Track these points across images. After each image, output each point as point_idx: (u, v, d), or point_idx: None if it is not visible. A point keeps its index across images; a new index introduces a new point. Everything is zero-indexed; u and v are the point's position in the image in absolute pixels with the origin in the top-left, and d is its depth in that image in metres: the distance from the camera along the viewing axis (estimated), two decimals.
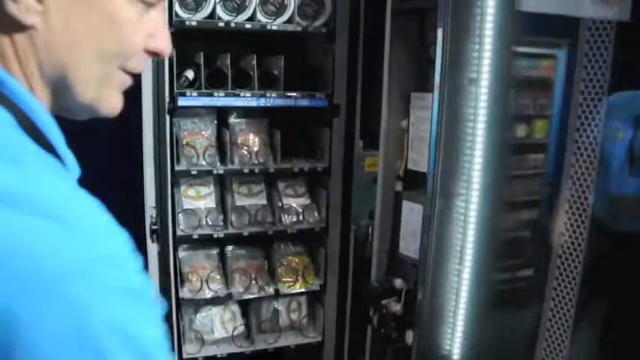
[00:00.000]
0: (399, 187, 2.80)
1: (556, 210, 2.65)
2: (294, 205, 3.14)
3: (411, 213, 2.70)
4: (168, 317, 2.89)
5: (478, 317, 2.54)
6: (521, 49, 2.95)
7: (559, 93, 3.22)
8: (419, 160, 2.66)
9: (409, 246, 2.74)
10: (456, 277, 2.53)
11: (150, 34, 0.79)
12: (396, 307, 2.65)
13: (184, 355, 3.05)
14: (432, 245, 2.50)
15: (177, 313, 3.08)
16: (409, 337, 2.61)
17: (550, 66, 3.42)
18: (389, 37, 2.68)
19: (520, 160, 3.47)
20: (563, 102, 2.85)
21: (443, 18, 2.29)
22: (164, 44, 0.82)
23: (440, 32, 2.30)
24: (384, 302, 2.68)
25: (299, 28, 2.90)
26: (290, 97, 2.95)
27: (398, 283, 2.78)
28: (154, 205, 2.75)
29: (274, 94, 2.92)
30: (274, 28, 2.85)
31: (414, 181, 2.65)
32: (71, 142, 0.81)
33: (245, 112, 3.07)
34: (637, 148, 2.83)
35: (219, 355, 3.09)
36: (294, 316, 3.31)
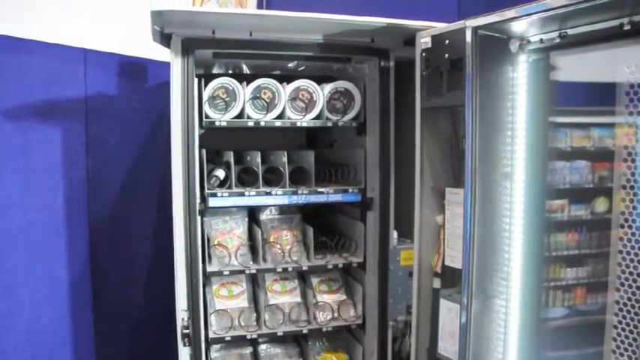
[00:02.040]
0: (436, 283, 2.70)
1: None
2: (328, 301, 3.06)
3: (449, 312, 2.59)
4: None
5: None
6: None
7: None
8: (456, 256, 2.56)
9: (448, 347, 2.60)
10: None
11: None
12: None
13: None
14: (469, 348, 2.37)
15: None
16: None
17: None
18: (419, 132, 2.64)
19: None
20: None
21: (470, 113, 2.24)
22: None
23: (468, 128, 2.25)
24: None
25: (329, 123, 2.88)
26: (322, 192, 2.90)
27: None
28: (186, 307, 2.70)
29: (306, 191, 2.88)
30: (304, 124, 2.84)
31: (452, 278, 2.55)
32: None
33: (277, 208, 3.04)
34: None
35: None
36: None
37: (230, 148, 2.97)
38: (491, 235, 2.39)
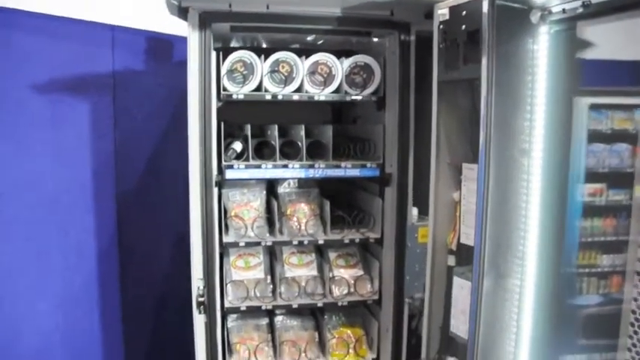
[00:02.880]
0: (451, 261, 2.67)
1: None
2: (345, 276, 3.06)
3: (462, 290, 2.55)
4: None
5: None
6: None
7: None
8: (471, 234, 2.52)
9: (460, 325, 2.58)
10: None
11: None
12: None
13: None
14: (479, 326, 2.34)
15: None
16: None
17: None
18: (436, 107, 2.60)
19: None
20: None
21: (487, 86, 2.19)
22: None
23: (483, 101, 2.20)
24: None
25: (348, 98, 2.86)
26: (339, 167, 2.89)
27: None
28: (201, 276, 2.74)
29: (323, 165, 2.88)
30: (322, 98, 2.83)
31: (467, 256, 2.51)
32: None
33: (294, 182, 3.05)
34: None
35: None
36: None
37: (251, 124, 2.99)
38: (506, 212, 2.34)
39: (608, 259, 3.18)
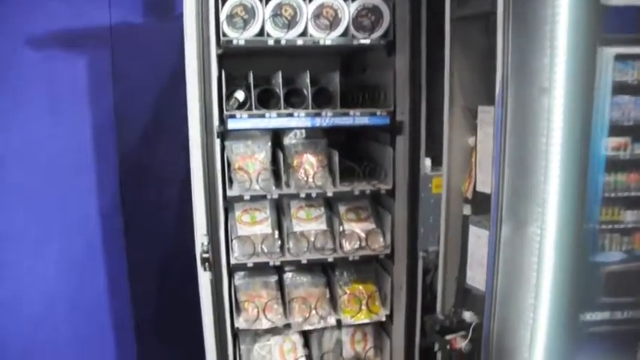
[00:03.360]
0: (467, 210, 2.54)
1: None
2: (356, 230, 2.93)
3: (479, 240, 2.43)
4: (223, 348, 2.77)
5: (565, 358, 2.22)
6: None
7: None
8: (487, 181, 2.38)
9: (477, 276, 2.46)
10: (532, 312, 2.21)
11: None
12: (462, 344, 2.38)
13: None
14: (497, 276, 2.21)
15: (235, 343, 2.95)
16: None
17: None
18: (449, 46, 2.44)
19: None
20: None
21: (504, 20, 2.02)
22: None
23: (500, 37, 2.03)
24: (448, 337, 2.41)
25: (355, 42, 2.70)
26: (348, 115, 2.75)
27: (467, 316, 2.51)
28: (205, 232, 2.63)
29: (330, 113, 2.73)
30: (328, 43, 2.67)
31: (483, 204, 2.38)
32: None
33: (301, 132, 2.91)
34: None
35: None
36: (358, 347, 3.10)
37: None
38: (525, 156, 2.18)
39: (631, 215, 3.03)
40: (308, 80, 2.73)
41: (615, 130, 2.63)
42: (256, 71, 2.79)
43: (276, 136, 2.93)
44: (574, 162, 2.17)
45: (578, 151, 2.19)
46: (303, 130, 2.90)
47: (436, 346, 2.65)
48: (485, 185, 2.40)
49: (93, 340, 3.51)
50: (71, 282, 3.41)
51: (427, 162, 2.79)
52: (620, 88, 2.55)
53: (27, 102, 3.20)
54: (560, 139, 2.15)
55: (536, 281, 2.24)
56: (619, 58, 2.57)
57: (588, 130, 2.30)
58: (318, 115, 2.72)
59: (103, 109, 3.37)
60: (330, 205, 3.06)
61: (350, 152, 3.01)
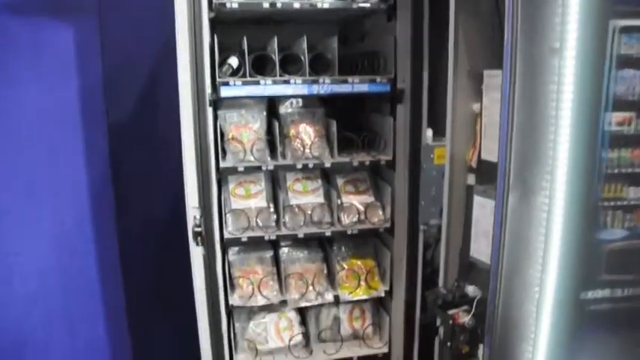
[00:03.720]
0: (471, 180, 2.43)
1: None
2: (354, 202, 2.82)
3: (483, 210, 2.33)
4: (217, 326, 2.67)
5: (568, 336, 2.12)
6: None
7: None
8: (493, 148, 2.27)
9: (481, 248, 2.36)
10: (538, 286, 2.12)
11: None
12: (465, 319, 2.29)
13: None
14: (504, 248, 2.11)
15: (229, 320, 2.85)
16: (481, 353, 2.25)
17: None
18: (454, 6, 2.31)
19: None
20: None
21: None
22: None
23: None
24: (451, 312, 2.32)
25: (354, 5, 2.56)
26: (346, 82, 2.62)
27: (470, 290, 2.43)
28: (197, 205, 2.52)
29: (328, 80, 2.60)
30: (326, 6, 2.53)
31: (489, 174, 2.27)
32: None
33: (297, 101, 2.79)
34: None
35: None
36: (356, 324, 3.01)
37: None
38: (534, 121, 2.07)
39: (635, 192, 2.95)
40: (305, 45, 2.60)
41: (620, 104, 2.54)
42: (251, 42, 2.66)
43: (272, 106, 2.80)
44: (584, 127, 2.07)
45: (589, 115, 2.08)
46: (300, 100, 2.78)
47: (438, 321, 2.56)
48: (490, 153, 2.29)
49: (85, 316, 3.40)
50: (61, 260, 3.29)
51: (429, 133, 2.68)
52: (625, 62, 2.45)
53: (13, 73, 3.06)
54: (570, 102, 2.04)
55: (543, 253, 2.14)
56: (624, 30, 2.47)
57: (599, 95, 2.20)
58: (316, 82, 2.59)
59: (91, 77, 3.21)
60: (327, 177, 2.95)
61: (348, 124, 2.89)
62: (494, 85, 2.23)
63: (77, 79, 3.21)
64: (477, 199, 2.38)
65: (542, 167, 2.09)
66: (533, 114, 2.06)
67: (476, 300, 2.34)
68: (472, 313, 2.32)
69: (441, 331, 2.51)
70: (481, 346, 2.29)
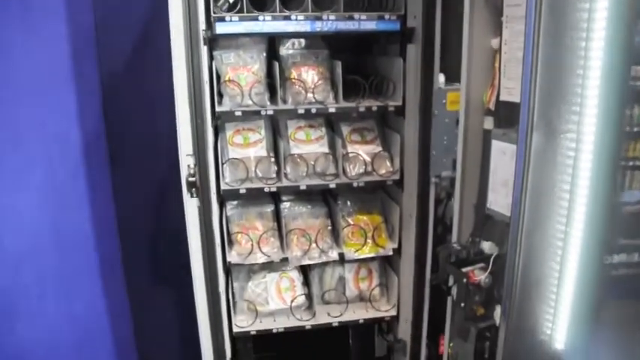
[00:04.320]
0: (488, 124, 2.22)
1: None
2: (361, 152, 2.63)
3: (503, 156, 2.12)
4: (214, 284, 2.49)
5: (592, 298, 1.93)
6: None
7: None
8: (515, 88, 2.06)
9: (499, 199, 2.15)
10: (561, 241, 1.91)
11: None
12: (481, 277, 2.09)
13: (235, 329, 2.65)
14: (525, 196, 1.90)
15: (227, 279, 2.67)
16: (497, 314, 2.06)
17: None
18: None
19: None
20: None
21: None
22: None
23: None
24: (465, 270, 2.13)
25: None
26: (352, 19, 2.40)
27: (486, 246, 2.23)
28: (191, 152, 2.32)
29: (333, 16, 2.39)
30: None
31: (509, 116, 2.07)
32: None
33: (299, 42, 2.57)
34: None
35: (274, 330, 2.67)
36: (363, 285, 2.83)
37: None
38: (560, 52, 1.86)
39: None
40: None
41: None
42: None
43: (272, 47, 2.59)
44: (615, 61, 1.84)
45: (620, 48, 1.86)
46: (302, 40, 2.57)
47: (451, 280, 2.36)
48: (510, 93, 2.08)
49: (80, 276, 3.24)
50: (55, 216, 3.12)
51: (441, 78, 2.47)
52: None
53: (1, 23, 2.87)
54: (603, 32, 1.82)
55: (568, 204, 1.93)
56: None
57: (632, 28, 1.97)
58: (319, 18, 2.37)
59: (83, 24, 3.01)
60: (331, 125, 2.75)
61: (354, 69, 2.68)
62: (516, 14, 2.01)
63: (68, 25, 3.01)
64: (496, 144, 2.17)
65: (569, 106, 1.88)
66: (560, 46, 1.85)
67: (493, 257, 2.14)
68: (489, 270, 2.12)
69: (454, 290, 2.33)
70: (497, 308, 2.10)
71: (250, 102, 2.43)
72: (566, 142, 1.89)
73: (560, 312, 1.94)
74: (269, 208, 2.72)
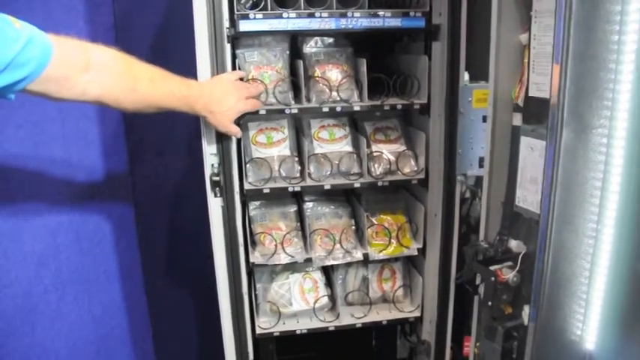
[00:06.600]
0: (517, 120, 2.19)
1: None
2: (384, 151, 2.60)
3: (531, 152, 2.08)
4: (237, 285, 2.46)
5: (625, 297, 1.88)
6: None
7: None
8: (544, 83, 2.03)
9: (528, 196, 2.12)
10: (593, 239, 1.87)
11: None
12: (509, 275, 2.06)
13: (257, 330, 2.62)
14: (555, 193, 1.86)
15: (250, 280, 2.65)
16: (526, 314, 2.02)
17: None
18: None
19: None
20: None
21: None
22: None
23: None
24: (493, 268, 2.09)
25: None
26: (377, 16, 2.38)
27: (514, 244, 2.19)
28: (215, 152, 2.31)
29: (357, 13, 2.37)
30: None
31: (538, 112, 2.04)
32: None
33: (323, 40, 2.55)
34: None
35: (298, 331, 2.63)
36: (386, 286, 2.79)
37: None
38: (593, 43, 1.82)
39: None
40: None
41: None
42: None
43: (295, 45, 2.57)
44: None
45: None
46: (325, 38, 2.55)
47: (478, 279, 2.33)
48: (540, 89, 2.05)
49: (99, 277, 3.22)
50: (74, 216, 3.10)
51: (466, 76, 2.44)
52: None
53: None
54: (636, 24, 1.78)
55: (600, 201, 1.89)
56: None
57: None
58: (344, 15, 2.35)
59: (102, 24, 3.00)
60: (355, 124, 2.72)
61: (375, 67, 2.65)
62: (545, 8, 1.98)
63: (87, 25, 3.00)
64: (525, 141, 2.13)
65: (601, 101, 1.84)
66: (591, 41, 1.81)
67: (521, 255, 2.11)
68: (517, 269, 2.09)
69: (482, 289, 2.29)
70: (525, 307, 2.06)
71: (274, 100, 2.41)
72: (597, 138, 1.85)
73: (591, 311, 1.89)
74: (292, 209, 2.69)
